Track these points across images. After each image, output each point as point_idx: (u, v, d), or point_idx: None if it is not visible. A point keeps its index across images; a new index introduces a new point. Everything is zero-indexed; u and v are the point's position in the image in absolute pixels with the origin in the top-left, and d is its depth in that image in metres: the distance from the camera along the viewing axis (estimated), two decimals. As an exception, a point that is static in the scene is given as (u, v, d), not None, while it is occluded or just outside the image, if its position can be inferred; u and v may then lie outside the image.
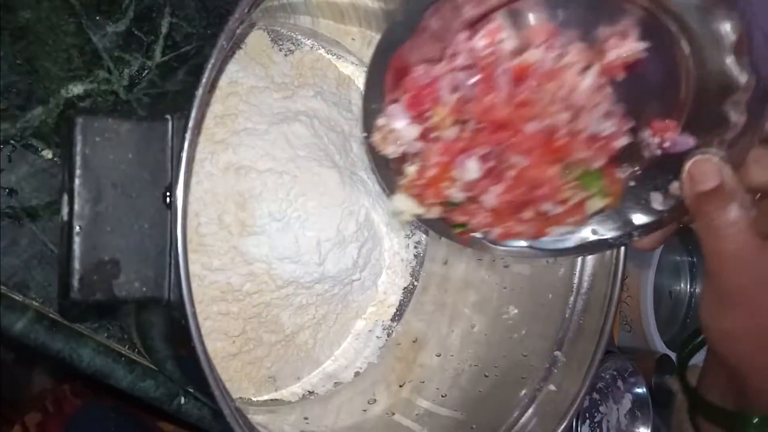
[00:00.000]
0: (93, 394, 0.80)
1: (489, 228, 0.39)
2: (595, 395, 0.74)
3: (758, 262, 0.34)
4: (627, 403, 0.76)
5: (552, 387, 0.49)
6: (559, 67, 0.35)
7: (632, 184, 0.40)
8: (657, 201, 0.39)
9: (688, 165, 0.36)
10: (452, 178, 0.37)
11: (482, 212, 0.38)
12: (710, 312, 0.37)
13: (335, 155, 0.51)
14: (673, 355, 0.87)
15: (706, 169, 0.35)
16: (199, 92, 0.31)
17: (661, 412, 0.81)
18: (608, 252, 0.49)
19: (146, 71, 0.48)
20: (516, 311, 0.53)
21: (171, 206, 0.31)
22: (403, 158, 0.38)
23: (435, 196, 0.37)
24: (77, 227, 0.31)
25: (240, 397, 0.49)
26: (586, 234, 0.41)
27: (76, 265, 0.31)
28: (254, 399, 0.50)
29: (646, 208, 0.40)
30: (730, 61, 0.34)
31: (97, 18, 0.46)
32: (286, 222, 0.46)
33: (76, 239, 0.31)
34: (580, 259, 0.51)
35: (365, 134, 0.38)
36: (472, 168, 0.36)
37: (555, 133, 0.36)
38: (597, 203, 0.39)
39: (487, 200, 0.37)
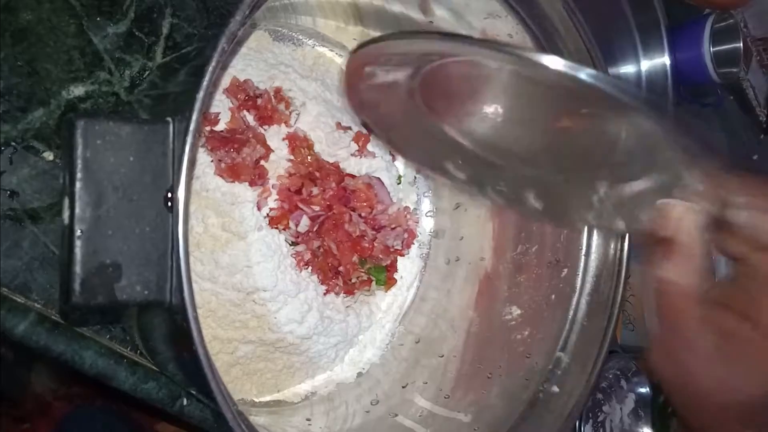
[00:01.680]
0: (92, 397, 0.81)
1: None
2: (599, 395, 0.74)
3: (682, 327, 0.32)
4: (630, 402, 0.76)
5: (555, 388, 0.48)
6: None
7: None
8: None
9: (658, 202, 0.34)
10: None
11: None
12: (653, 351, 0.36)
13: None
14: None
15: (668, 214, 0.33)
16: (201, 95, 0.31)
17: (664, 411, 0.81)
18: (612, 252, 0.49)
19: (147, 72, 0.48)
20: (519, 312, 0.53)
21: (172, 209, 0.31)
22: None
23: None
24: (78, 231, 0.31)
25: (242, 399, 0.49)
26: None
27: (78, 269, 0.31)
28: (256, 400, 0.50)
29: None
30: None
31: (98, 19, 0.46)
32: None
33: (78, 243, 0.31)
34: (583, 259, 0.51)
35: None
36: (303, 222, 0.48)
37: (362, 238, 0.51)
38: (378, 286, 0.55)
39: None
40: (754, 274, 0.32)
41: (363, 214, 0.52)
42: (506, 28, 0.47)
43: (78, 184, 0.31)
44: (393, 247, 0.53)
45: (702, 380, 0.33)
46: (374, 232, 0.52)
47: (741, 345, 0.32)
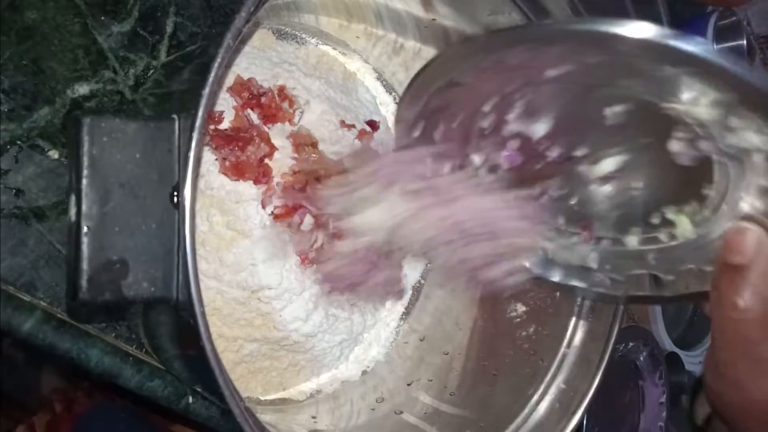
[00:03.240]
0: (104, 396, 0.81)
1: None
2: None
3: (753, 353, 0.31)
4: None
5: (561, 385, 0.48)
6: None
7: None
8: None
9: (731, 227, 0.32)
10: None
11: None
12: (709, 372, 0.35)
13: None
14: (680, 353, 0.87)
15: (745, 241, 0.31)
16: (206, 91, 0.31)
17: (670, 409, 0.81)
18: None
19: (151, 71, 0.48)
20: (524, 309, 0.53)
21: (178, 206, 0.31)
22: None
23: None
24: (85, 228, 0.31)
25: (248, 397, 0.49)
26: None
27: (85, 265, 0.31)
28: (262, 398, 0.50)
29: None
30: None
31: (103, 18, 0.46)
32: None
33: (85, 240, 0.31)
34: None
35: None
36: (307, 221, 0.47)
37: None
38: None
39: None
40: None
41: None
42: (510, 25, 0.47)
43: (84, 181, 0.31)
44: None
45: None
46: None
47: None
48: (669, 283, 0.38)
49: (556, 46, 0.31)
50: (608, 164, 0.37)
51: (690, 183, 0.34)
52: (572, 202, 0.41)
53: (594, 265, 0.41)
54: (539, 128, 0.36)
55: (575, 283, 0.43)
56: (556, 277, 0.44)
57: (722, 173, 0.32)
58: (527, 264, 0.43)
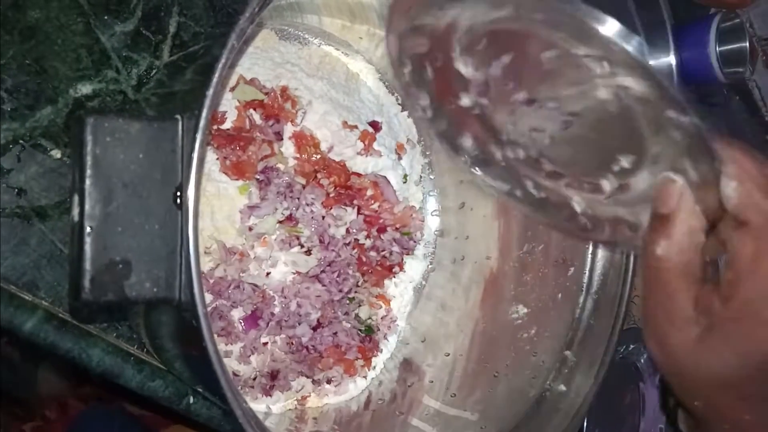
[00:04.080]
0: (106, 397, 0.81)
1: None
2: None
3: (671, 304, 0.32)
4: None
5: (562, 386, 0.48)
6: None
7: None
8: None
9: (659, 177, 0.33)
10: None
11: None
12: (644, 327, 0.35)
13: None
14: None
15: (668, 190, 0.32)
16: (210, 92, 0.31)
17: (667, 404, 0.81)
18: (619, 251, 0.49)
19: (154, 71, 0.48)
20: (525, 311, 0.53)
21: (181, 206, 0.31)
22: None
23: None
24: (88, 228, 0.31)
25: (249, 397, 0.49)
26: None
27: (88, 265, 0.31)
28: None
29: None
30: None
31: (106, 17, 0.46)
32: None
33: (88, 240, 0.31)
34: (590, 258, 0.51)
35: None
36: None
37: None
38: None
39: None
40: (734, 257, 0.31)
41: (367, 213, 0.52)
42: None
43: (88, 181, 0.31)
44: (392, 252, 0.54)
45: (689, 357, 0.32)
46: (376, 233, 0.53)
47: (718, 322, 0.31)
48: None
49: None
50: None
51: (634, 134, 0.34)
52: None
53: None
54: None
55: None
56: None
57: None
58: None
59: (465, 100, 0.39)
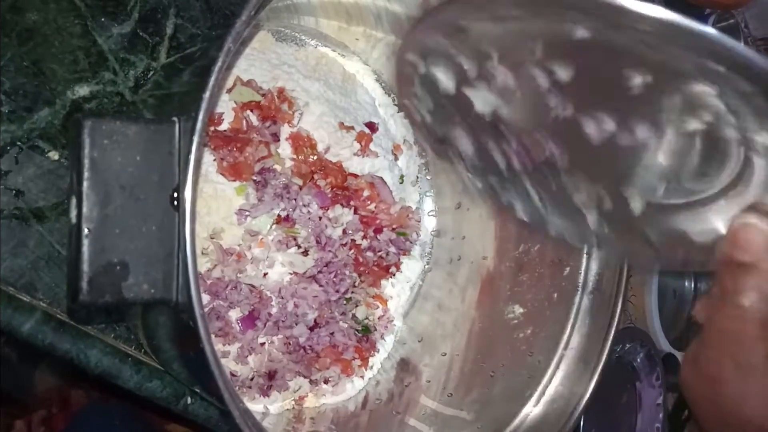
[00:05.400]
0: (101, 394, 0.81)
1: None
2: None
3: (742, 355, 0.31)
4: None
5: (558, 386, 0.49)
6: None
7: None
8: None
9: (735, 223, 0.30)
10: None
11: None
12: (688, 365, 0.34)
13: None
14: (678, 354, 0.87)
15: (752, 238, 0.29)
16: (207, 95, 0.31)
17: (677, 417, 0.81)
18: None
19: (151, 72, 0.48)
20: (521, 311, 0.53)
21: (179, 208, 0.32)
22: None
23: None
24: (86, 230, 0.31)
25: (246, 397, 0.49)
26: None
27: (85, 267, 0.31)
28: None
29: None
30: None
31: (103, 19, 0.46)
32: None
33: (85, 242, 0.31)
34: (585, 258, 0.51)
35: None
36: None
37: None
38: None
39: None
40: None
41: (364, 214, 0.53)
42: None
43: (85, 184, 0.31)
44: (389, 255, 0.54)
45: (747, 403, 0.31)
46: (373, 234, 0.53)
47: None
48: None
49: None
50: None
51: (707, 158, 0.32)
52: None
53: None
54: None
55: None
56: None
57: (738, 159, 0.31)
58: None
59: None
